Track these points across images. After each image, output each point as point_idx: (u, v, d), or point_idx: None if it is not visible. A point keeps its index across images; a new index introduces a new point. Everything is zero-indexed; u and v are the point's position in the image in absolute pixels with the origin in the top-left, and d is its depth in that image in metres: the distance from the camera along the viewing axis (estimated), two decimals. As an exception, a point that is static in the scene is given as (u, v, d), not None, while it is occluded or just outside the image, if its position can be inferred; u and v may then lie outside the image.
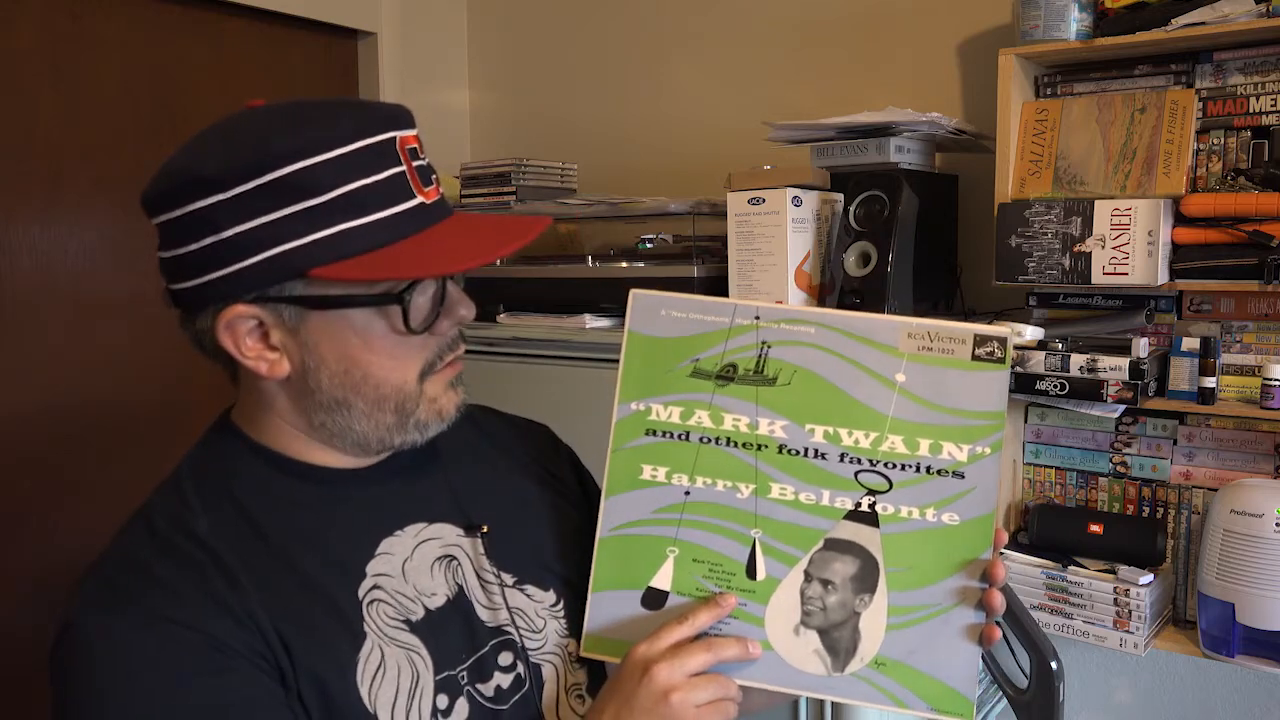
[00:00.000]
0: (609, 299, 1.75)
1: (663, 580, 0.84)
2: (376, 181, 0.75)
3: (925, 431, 0.83)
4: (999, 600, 0.81)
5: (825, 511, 0.83)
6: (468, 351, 0.89)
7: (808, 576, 0.83)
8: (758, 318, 0.85)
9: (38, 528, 1.83)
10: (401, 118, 0.79)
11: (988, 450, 0.83)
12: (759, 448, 0.84)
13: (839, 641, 0.82)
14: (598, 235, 2.00)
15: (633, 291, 0.87)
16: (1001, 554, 1.62)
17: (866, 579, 0.82)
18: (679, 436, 0.85)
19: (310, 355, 0.78)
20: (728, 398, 0.85)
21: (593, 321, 1.74)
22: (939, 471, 0.82)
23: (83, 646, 0.72)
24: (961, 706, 0.81)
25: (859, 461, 0.83)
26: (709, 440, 0.85)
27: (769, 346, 0.85)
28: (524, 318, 1.85)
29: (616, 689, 0.80)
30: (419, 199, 0.78)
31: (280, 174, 0.73)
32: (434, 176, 0.81)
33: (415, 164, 0.79)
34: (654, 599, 0.84)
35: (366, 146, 0.75)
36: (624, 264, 1.78)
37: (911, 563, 0.82)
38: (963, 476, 0.82)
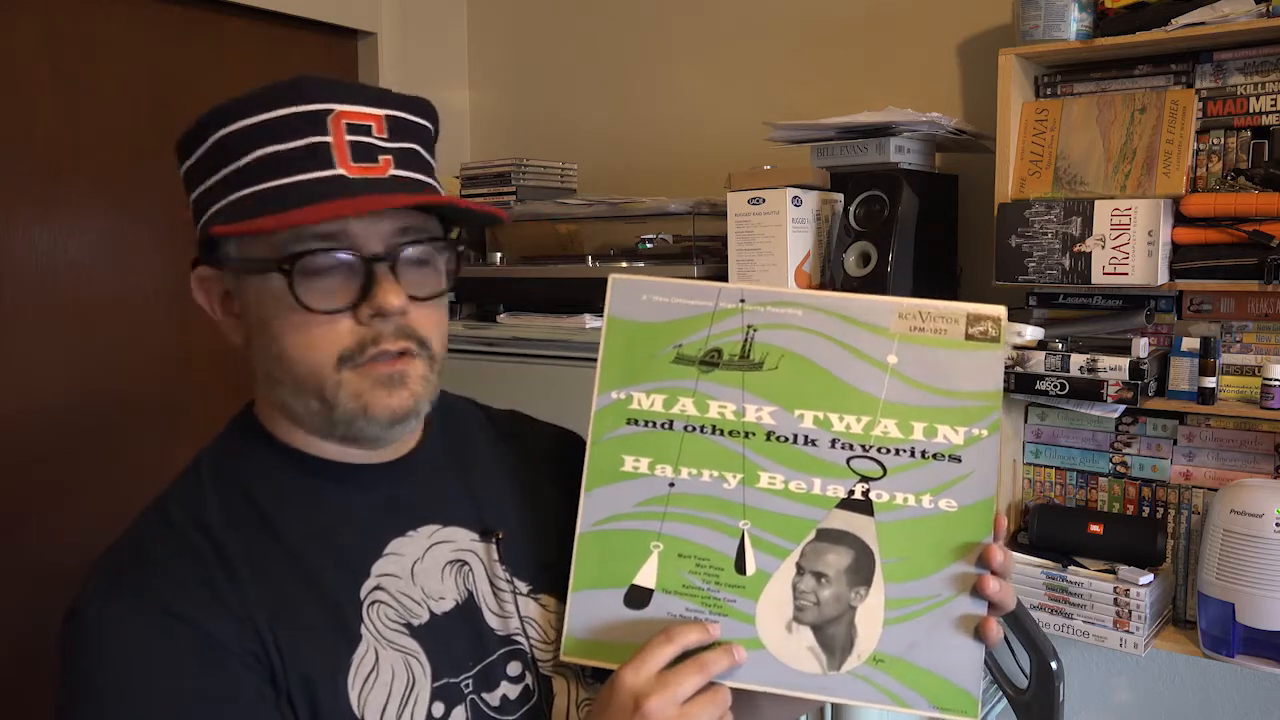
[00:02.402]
0: (609, 299, 1.74)
1: (647, 577, 0.80)
2: (292, 148, 0.74)
3: (919, 414, 0.80)
4: (993, 586, 0.77)
5: (817, 500, 0.80)
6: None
7: (799, 569, 0.79)
8: (743, 300, 0.82)
9: (38, 527, 1.83)
10: (351, 94, 0.77)
11: (985, 432, 0.79)
12: (746, 435, 0.81)
13: (834, 638, 0.78)
14: (598, 235, 2.00)
15: (612, 276, 0.83)
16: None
17: (861, 571, 0.79)
18: (662, 425, 0.81)
19: (250, 324, 0.80)
20: (712, 384, 0.81)
21: (593, 321, 1.74)
22: (934, 456, 0.79)
23: (84, 634, 0.73)
24: (966, 703, 0.77)
25: (851, 447, 0.80)
26: (693, 429, 0.81)
27: (755, 330, 0.81)
28: (524, 318, 1.85)
29: None
30: (339, 170, 0.75)
31: (213, 140, 0.76)
32: (382, 157, 0.77)
33: (352, 138, 0.75)
34: (638, 597, 0.80)
35: (292, 114, 0.74)
36: (624, 264, 1.78)
37: (908, 552, 0.79)
38: (960, 460, 0.79)
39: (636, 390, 0.82)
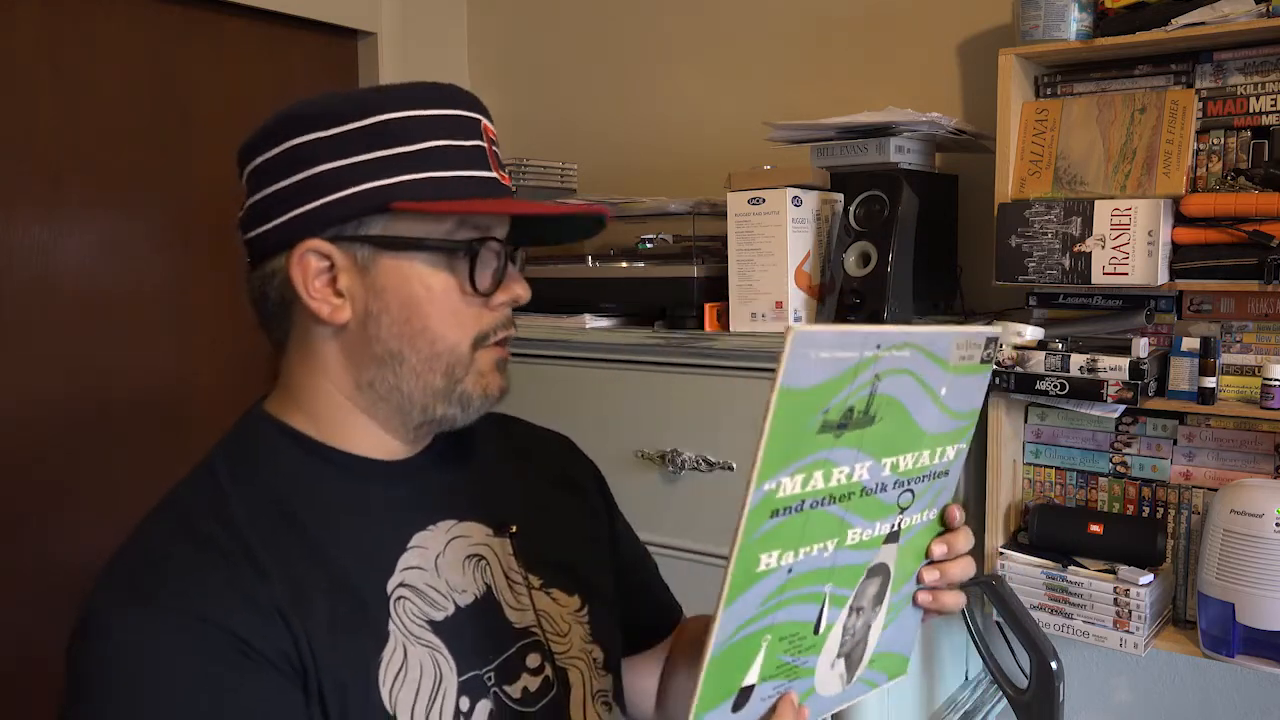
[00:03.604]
0: (609, 299, 1.74)
1: (753, 674, 0.71)
2: (462, 146, 0.81)
3: (943, 439, 0.79)
4: (939, 550, 0.82)
5: (874, 543, 0.76)
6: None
7: (850, 610, 0.77)
8: (879, 346, 0.67)
9: (37, 528, 1.83)
10: (482, 108, 0.86)
11: (965, 446, 0.82)
12: (848, 496, 0.71)
13: (854, 658, 0.80)
14: (598, 235, 2.00)
15: (793, 330, 0.61)
16: (1002, 553, 1.61)
17: (882, 593, 0.79)
18: (795, 509, 0.67)
19: (375, 300, 0.80)
20: (841, 449, 0.68)
21: (593, 321, 1.74)
22: (938, 474, 0.80)
23: (100, 640, 0.70)
24: (901, 666, 0.85)
25: (902, 484, 0.75)
26: (817, 504, 0.69)
27: (879, 380, 0.69)
28: (524, 318, 1.85)
29: None
30: (494, 174, 0.83)
31: (379, 119, 0.78)
32: (506, 167, 0.87)
33: (494, 148, 0.85)
34: (743, 698, 0.71)
35: (458, 115, 0.82)
36: (624, 264, 1.78)
37: (906, 564, 0.81)
38: (948, 474, 0.81)
39: (785, 475, 0.65)
